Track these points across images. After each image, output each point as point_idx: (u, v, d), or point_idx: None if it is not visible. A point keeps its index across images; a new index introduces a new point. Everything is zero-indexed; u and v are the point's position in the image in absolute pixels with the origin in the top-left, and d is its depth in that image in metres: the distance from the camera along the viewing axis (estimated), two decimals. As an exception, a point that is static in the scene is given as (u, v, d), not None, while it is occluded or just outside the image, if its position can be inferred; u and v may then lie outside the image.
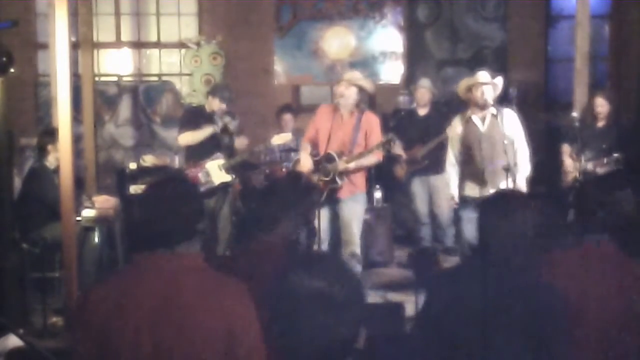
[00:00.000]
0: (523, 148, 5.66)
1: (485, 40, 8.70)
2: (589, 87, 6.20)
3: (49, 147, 5.82)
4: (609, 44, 8.54)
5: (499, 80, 5.73)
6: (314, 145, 5.81)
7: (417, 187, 6.90)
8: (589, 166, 5.91)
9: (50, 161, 5.85)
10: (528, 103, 8.46)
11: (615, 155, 5.79)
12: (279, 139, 6.46)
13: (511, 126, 5.65)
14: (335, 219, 5.74)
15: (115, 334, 2.11)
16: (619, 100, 7.10)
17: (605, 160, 5.82)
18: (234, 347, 2.10)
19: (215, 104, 6.42)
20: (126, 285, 2.19)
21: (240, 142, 6.57)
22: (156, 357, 2.11)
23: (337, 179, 5.64)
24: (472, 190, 5.73)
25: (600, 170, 5.84)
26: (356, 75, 5.83)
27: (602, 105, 6.01)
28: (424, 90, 6.93)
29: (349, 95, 5.65)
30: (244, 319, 2.13)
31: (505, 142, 5.52)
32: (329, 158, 5.69)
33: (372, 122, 5.77)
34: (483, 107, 5.66)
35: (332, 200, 5.72)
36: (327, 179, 5.66)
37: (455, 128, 5.79)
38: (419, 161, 6.79)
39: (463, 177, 5.80)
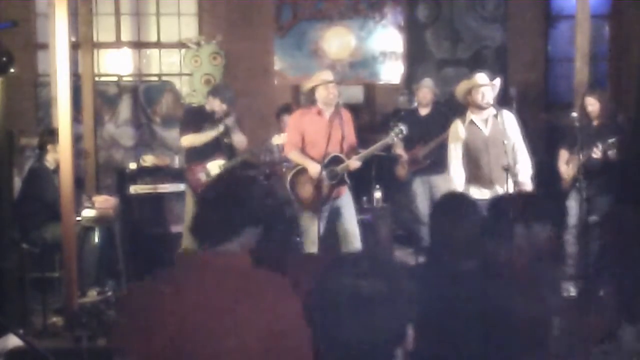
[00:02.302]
0: (522, 148, 5.69)
1: (485, 40, 8.70)
2: (587, 87, 6.21)
3: (49, 146, 5.82)
4: (609, 44, 8.54)
5: (497, 81, 5.76)
6: (301, 150, 5.79)
7: (418, 187, 6.90)
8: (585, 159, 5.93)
9: (50, 161, 5.86)
10: (528, 103, 8.46)
11: (610, 140, 5.80)
12: (280, 139, 6.46)
13: (511, 126, 5.68)
14: (335, 218, 5.76)
15: (159, 329, 2.14)
16: (617, 99, 7.10)
17: (600, 147, 5.82)
18: (279, 346, 2.09)
19: (216, 105, 6.42)
20: (173, 281, 2.22)
21: (239, 141, 6.55)
22: (200, 355, 2.11)
23: (347, 179, 5.68)
24: (479, 193, 5.72)
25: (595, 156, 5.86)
26: (330, 74, 5.88)
27: (592, 104, 6.04)
28: (427, 90, 6.93)
29: (337, 94, 5.71)
30: (288, 318, 2.12)
31: (506, 142, 5.54)
32: (335, 160, 5.68)
33: (349, 117, 5.87)
34: (484, 108, 5.67)
35: (332, 201, 5.74)
36: (334, 181, 5.67)
37: (458, 132, 5.78)
38: (420, 161, 6.79)
39: (469, 181, 5.79)
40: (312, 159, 5.70)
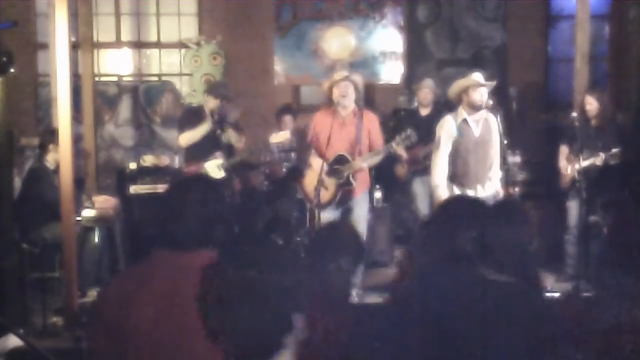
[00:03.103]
0: (498, 151, 5.71)
1: (485, 40, 8.70)
2: (588, 87, 6.22)
3: (50, 146, 5.83)
4: (609, 44, 8.53)
5: (493, 82, 5.76)
6: (315, 149, 5.81)
7: (418, 187, 6.89)
8: (586, 164, 5.93)
9: (50, 161, 5.86)
10: (528, 103, 8.47)
11: (614, 150, 5.81)
12: (277, 138, 6.43)
13: (497, 130, 5.69)
14: (345, 218, 5.75)
15: (125, 328, 2.16)
16: (618, 99, 7.10)
17: (603, 156, 5.84)
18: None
19: (211, 102, 6.40)
20: (138, 280, 2.24)
21: (236, 139, 6.53)
22: (160, 353, 2.14)
23: (352, 180, 5.66)
24: (464, 193, 5.73)
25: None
26: (345, 73, 5.86)
27: (590, 104, 6.05)
28: (427, 90, 6.93)
29: (350, 93, 5.67)
30: None
31: (505, 143, 5.57)
32: (340, 159, 5.68)
33: (372, 120, 5.83)
34: (479, 108, 5.65)
35: (344, 201, 5.73)
36: (340, 180, 5.67)
37: (450, 129, 5.75)
38: (420, 161, 6.78)
39: (452, 180, 5.77)
40: (321, 157, 5.72)
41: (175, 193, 2.35)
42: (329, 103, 5.82)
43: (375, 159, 5.78)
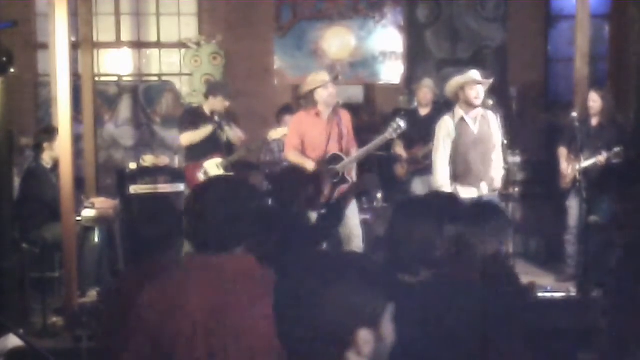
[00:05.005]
0: (499, 149, 5.70)
1: (485, 40, 8.69)
2: (588, 87, 6.22)
3: (45, 144, 5.82)
4: (609, 44, 8.53)
5: (490, 80, 5.76)
6: (301, 152, 5.79)
7: (418, 187, 6.90)
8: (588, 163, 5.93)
9: (46, 160, 5.85)
10: (528, 103, 8.47)
11: (616, 149, 5.81)
12: (276, 134, 6.42)
13: (496, 127, 5.69)
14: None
15: (167, 335, 2.11)
16: (618, 99, 7.10)
17: (605, 155, 5.84)
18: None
19: (217, 103, 6.35)
20: (179, 285, 2.16)
21: (236, 136, 6.52)
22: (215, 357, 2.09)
23: (348, 177, 5.69)
24: (466, 192, 5.72)
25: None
26: (328, 75, 5.86)
27: (594, 101, 6.05)
28: (427, 90, 6.94)
29: (336, 94, 5.72)
30: None
31: (505, 142, 5.57)
32: (334, 159, 5.68)
33: (347, 116, 5.90)
34: (475, 106, 5.65)
35: (337, 199, 5.75)
36: (336, 180, 5.67)
37: (449, 129, 5.75)
38: (420, 161, 6.79)
39: (456, 179, 5.77)
40: (313, 160, 5.71)
41: (203, 194, 2.30)
42: (310, 105, 5.81)
43: (367, 153, 5.81)
